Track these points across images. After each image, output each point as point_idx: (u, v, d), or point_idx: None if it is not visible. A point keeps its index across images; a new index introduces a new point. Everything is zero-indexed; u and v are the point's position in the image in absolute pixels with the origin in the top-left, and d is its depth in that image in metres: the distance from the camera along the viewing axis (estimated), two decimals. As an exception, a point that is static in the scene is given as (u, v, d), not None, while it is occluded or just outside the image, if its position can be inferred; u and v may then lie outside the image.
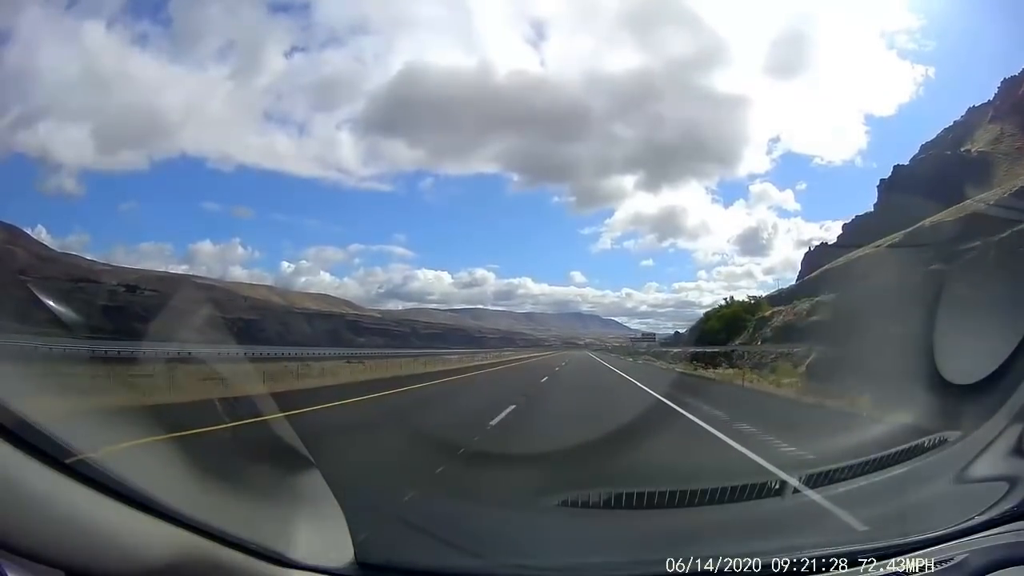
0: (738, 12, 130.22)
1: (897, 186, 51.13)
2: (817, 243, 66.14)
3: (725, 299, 51.51)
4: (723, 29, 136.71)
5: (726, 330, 41.60)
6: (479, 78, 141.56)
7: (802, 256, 65.46)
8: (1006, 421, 2.85)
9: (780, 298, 43.94)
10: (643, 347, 76.77)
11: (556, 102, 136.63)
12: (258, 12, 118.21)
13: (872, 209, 56.81)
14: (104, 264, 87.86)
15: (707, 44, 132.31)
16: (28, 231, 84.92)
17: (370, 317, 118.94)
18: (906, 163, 56.41)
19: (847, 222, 62.00)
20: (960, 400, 5.60)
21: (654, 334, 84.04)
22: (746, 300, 47.75)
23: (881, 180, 58.79)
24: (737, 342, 38.58)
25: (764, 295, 49.20)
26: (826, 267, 41.33)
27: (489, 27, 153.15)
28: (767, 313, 38.97)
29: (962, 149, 48.28)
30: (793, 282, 53.08)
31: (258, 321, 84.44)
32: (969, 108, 56.05)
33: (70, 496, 1.30)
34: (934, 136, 58.14)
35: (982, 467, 2.79)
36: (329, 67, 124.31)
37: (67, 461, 1.33)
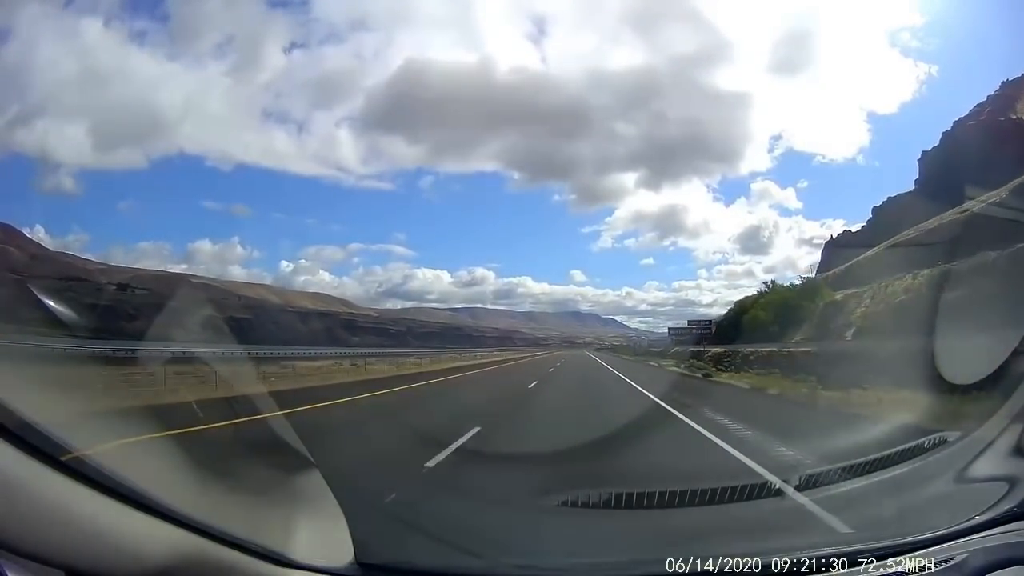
0: (741, 9, 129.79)
1: (947, 154, 44.76)
2: (840, 231, 60.98)
3: (766, 283, 41.20)
4: (726, 26, 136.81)
5: (780, 322, 30.95)
6: (480, 75, 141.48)
7: (821, 247, 60.04)
8: (1006, 421, 2.86)
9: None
10: (649, 344, 57.73)
11: (557, 99, 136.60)
12: (257, 7, 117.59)
13: (913, 186, 50.87)
14: (100, 263, 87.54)
15: (710, 41, 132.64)
16: (26, 230, 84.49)
17: (366, 316, 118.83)
18: (950, 129, 50.56)
19: (877, 205, 55.86)
20: None
21: (711, 322, 48.40)
22: (800, 282, 37.37)
23: (923, 152, 53.21)
24: (798, 337, 28.34)
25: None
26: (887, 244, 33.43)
27: (490, 23, 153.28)
28: (837, 297, 29.13)
29: (1013, 116, 44.92)
30: (800, 276, 46.14)
31: (250, 320, 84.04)
32: (1002, 82, 52.82)
33: (70, 496, 1.29)
34: (966, 112, 53.06)
35: (982, 467, 2.80)
36: (329, 64, 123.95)
37: (63, 459, 1.32)
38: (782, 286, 37.97)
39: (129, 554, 1.36)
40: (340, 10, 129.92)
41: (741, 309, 40.53)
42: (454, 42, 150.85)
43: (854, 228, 60.82)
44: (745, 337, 30.76)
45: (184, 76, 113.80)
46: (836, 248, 52.02)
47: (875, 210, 56.03)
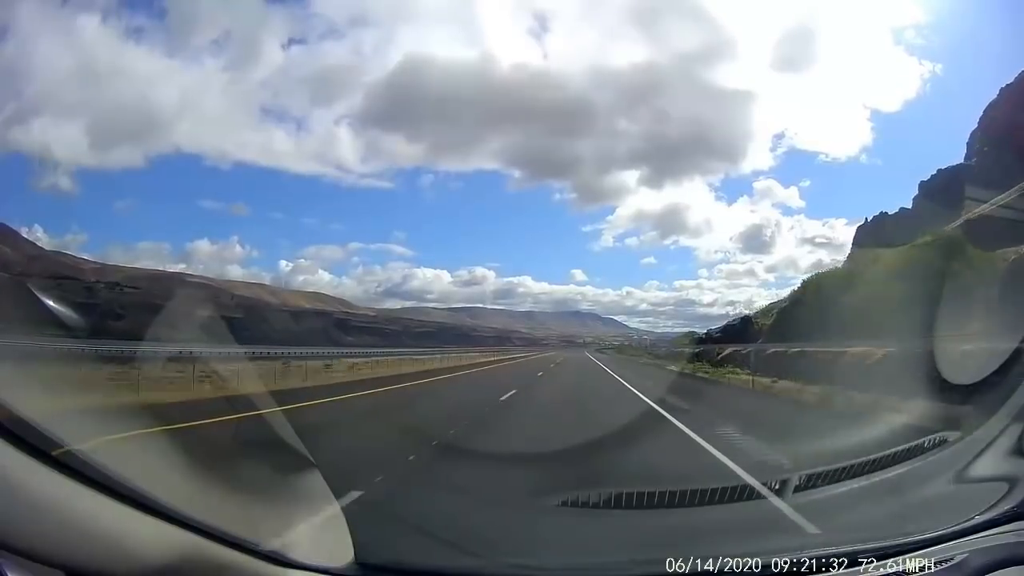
0: (744, 5, 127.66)
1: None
2: (875, 215, 55.56)
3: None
4: (729, 22, 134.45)
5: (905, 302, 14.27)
6: (480, 71, 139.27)
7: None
8: (1006, 421, 2.88)
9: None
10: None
11: (558, 96, 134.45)
12: (255, 3, 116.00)
13: (966, 156, 41.02)
14: (95, 263, 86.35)
15: (712, 38, 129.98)
16: (24, 230, 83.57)
17: (363, 315, 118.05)
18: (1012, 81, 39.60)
19: (924, 180, 45.95)
20: None
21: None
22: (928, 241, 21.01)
23: (984, 113, 42.45)
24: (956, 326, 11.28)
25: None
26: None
27: (491, 19, 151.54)
28: None
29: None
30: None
31: (241, 319, 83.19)
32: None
33: (69, 495, 1.27)
34: (1012, 79, 42.57)
35: (982, 467, 2.81)
36: (328, 60, 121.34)
37: (62, 457, 1.31)
38: (882, 250, 24.95)
39: (128, 553, 1.34)
40: (340, 5, 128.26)
41: (818, 290, 25.48)
42: (455, 38, 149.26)
43: (891, 211, 52.95)
44: (836, 330, 18.46)
45: (181, 73, 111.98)
46: (866, 233, 45.14)
47: (922, 185, 46.08)
